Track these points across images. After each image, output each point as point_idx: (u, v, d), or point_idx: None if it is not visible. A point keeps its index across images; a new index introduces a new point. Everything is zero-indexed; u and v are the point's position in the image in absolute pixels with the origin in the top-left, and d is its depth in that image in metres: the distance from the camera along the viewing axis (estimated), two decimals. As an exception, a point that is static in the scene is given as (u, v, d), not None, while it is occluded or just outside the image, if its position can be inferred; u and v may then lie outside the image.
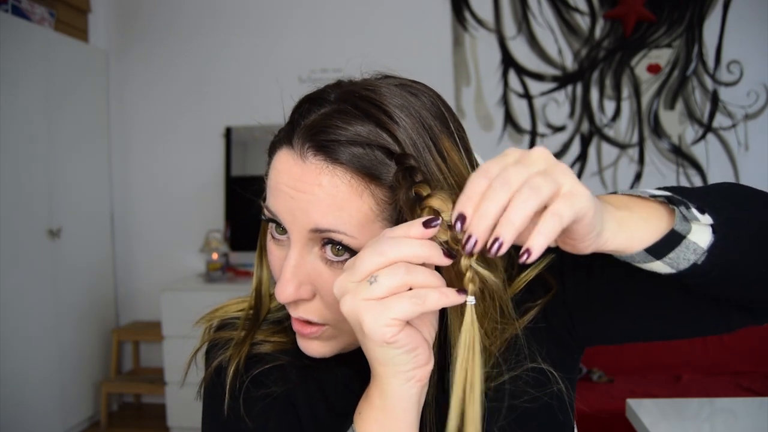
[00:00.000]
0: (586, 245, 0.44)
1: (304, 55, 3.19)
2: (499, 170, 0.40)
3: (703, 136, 2.97)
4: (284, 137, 0.52)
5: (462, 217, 0.40)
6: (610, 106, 3.04)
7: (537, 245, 0.38)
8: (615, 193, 0.50)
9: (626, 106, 3.03)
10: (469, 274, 0.43)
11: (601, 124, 3.05)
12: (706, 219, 0.47)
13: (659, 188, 0.50)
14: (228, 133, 3.23)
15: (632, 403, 1.30)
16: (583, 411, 2.12)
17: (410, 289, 0.42)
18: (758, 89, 2.92)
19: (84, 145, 3.13)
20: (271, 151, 0.54)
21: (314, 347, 0.55)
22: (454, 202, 0.44)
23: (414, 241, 0.42)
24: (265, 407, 0.60)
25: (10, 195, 2.58)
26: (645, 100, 3.01)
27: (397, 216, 0.50)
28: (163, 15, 3.34)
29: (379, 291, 0.41)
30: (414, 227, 0.43)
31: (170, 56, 3.34)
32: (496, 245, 0.39)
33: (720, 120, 2.95)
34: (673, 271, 0.48)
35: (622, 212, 0.46)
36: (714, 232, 0.47)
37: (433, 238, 0.44)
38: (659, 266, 0.48)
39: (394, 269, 0.42)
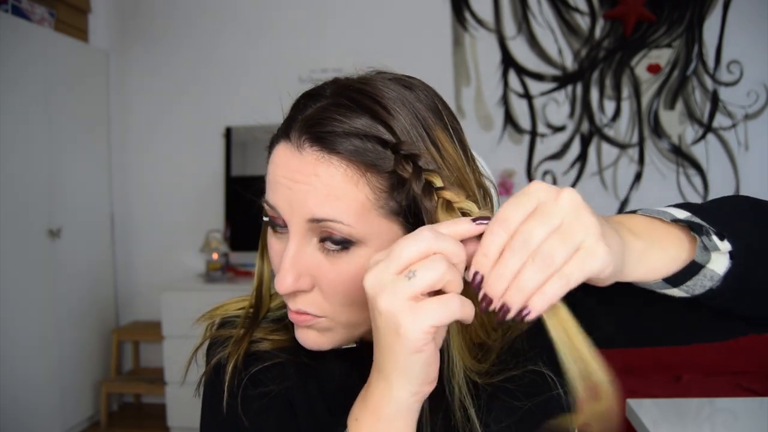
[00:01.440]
0: (603, 283, 0.43)
1: (304, 55, 3.19)
2: (519, 220, 0.39)
3: (703, 136, 2.97)
4: (282, 132, 0.53)
5: (479, 275, 0.40)
6: (610, 106, 3.04)
7: (537, 307, 0.38)
8: (635, 211, 0.49)
9: (626, 106, 3.03)
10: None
11: (601, 124, 3.05)
12: (726, 246, 0.46)
13: (677, 205, 0.49)
14: (228, 133, 3.23)
15: (632, 403, 1.30)
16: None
17: (441, 291, 0.41)
18: (758, 89, 2.92)
19: (84, 145, 3.13)
20: (271, 147, 0.55)
21: (311, 338, 0.55)
22: (464, 191, 0.45)
23: (457, 241, 0.41)
24: (263, 406, 0.60)
25: (10, 195, 2.58)
26: (645, 100, 3.01)
27: (395, 206, 0.51)
28: (163, 15, 3.34)
29: (417, 285, 0.40)
30: (462, 223, 0.42)
31: (170, 56, 3.34)
32: (503, 310, 0.39)
33: (720, 120, 2.95)
34: (687, 296, 0.48)
35: (642, 243, 0.45)
36: (731, 257, 0.47)
37: None
38: (674, 292, 0.48)
39: (433, 261, 0.40)
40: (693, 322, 0.55)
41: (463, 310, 0.41)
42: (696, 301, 0.49)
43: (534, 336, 0.60)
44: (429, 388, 0.45)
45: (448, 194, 0.46)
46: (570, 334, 0.41)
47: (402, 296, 0.40)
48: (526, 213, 0.39)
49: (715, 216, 0.48)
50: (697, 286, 0.47)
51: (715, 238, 0.46)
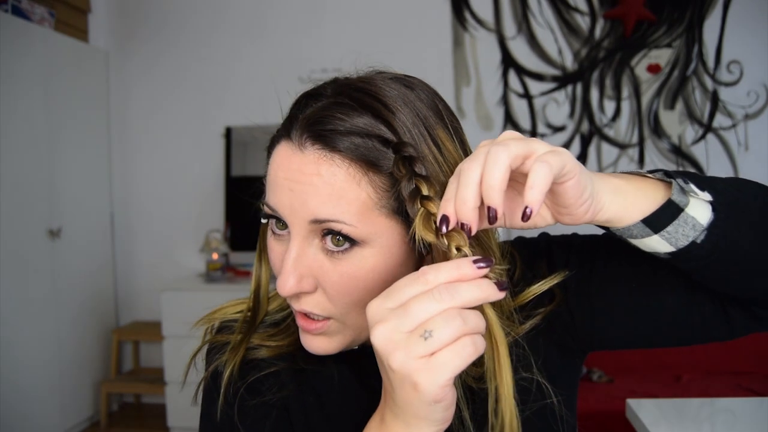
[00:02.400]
0: (582, 210, 0.44)
1: (304, 55, 3.18)
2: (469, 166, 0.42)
3: (703, 136, 2.97)
4: (283, 132, 0.53)
5: (446, 218, 0.42)
6: (610, 106, 3.04)
7: (533, 199, 0.39)
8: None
9: (626, 106, 3.03)
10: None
11: (601, 124, 3.05)
12: (705, 196, 0.46)
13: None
14: (228, 133, 3.23)
15: (632, 403, 1.30)
16: (583, 411, 2.12)
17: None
18: (758, 89, 2.92)
19: (84, 145, 3.13)
20: (270, 147, 0.55)
21: (319, 344, 0.54)
22: None
23: (471, 284, 0.41)
24: (259, 416, 0.60)
25: (10, 195, 2.58)
26: (645, 100, 3.01)
27: (396, 205, 0.50)
28: (163, 15, 3.34)
29: (434, 346, 0.39)
30: (466, 268, 0.41)
31: (171, 56, 3.34)
32: (491, 214, 0.40)
33: (720, 120, 2.95)
34: (672, 248, 0.47)
35: (618, 181, 0.47)
36: (714, 210, 0.46)
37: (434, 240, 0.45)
38: (657, 242, 0.47)
39: (448, 319, 0.39)
40: (692, 316, 0.54)
41: (477, 350, 0.40)
42: (685, 266, 0.48)
43: (532, 341, 0.59)
44: (447, 423, 0.45)
45: (431, 205, 0.46)
46: (501, 363, 0.43)
47: (416, 355, 0.39)
48: (474, 158, 0.43)
49: (696, 175, 0.49)
50: (680, 234, 0.46)
51: (692, 185, 0.47)
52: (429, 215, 0.45)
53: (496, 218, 0.40)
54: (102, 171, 3.28)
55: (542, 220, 0.48)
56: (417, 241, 0.46)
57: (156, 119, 3.37)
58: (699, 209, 0.46)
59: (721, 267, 0.48)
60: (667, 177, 0.48)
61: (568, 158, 0.41)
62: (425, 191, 0.47)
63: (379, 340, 0.41)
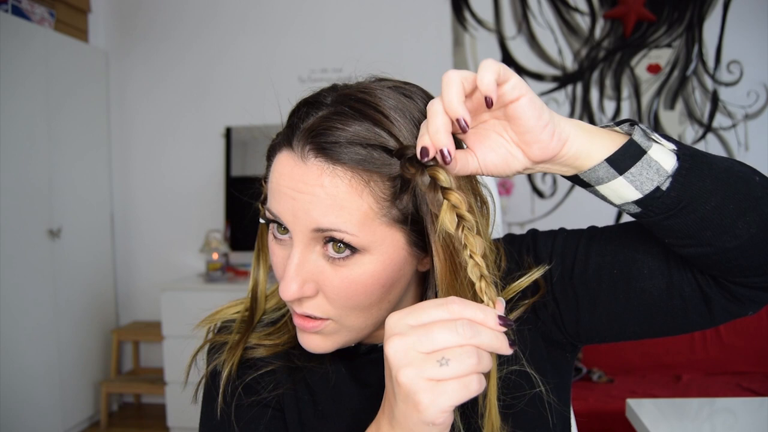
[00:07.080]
0: (547, 135, 0.45)
1: (304, 55, 3.19)
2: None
3: (703, 136, 2.97)
4: (284, 140, 0.53)
5: (425, 150, 0.44)
6: (610, 106, 3.04)
7: (485, 85, 0.42)
8: None
9: (626, 106, 3.03)
10: (474, 271, 0.45)
11: (602, 124, 3.04)
12: (669, 145, 0.48)
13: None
14: (228, 133, 3.23)
15: (632, 403, 1.30)
16: (583, 411, 2.12)
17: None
18: (758, 89, 2.92)
19: (84, 145, 3.13)
20: (270, 154, 0.56)
21: (315, 342, 0.56)
22: (467, 203, 0.47)
23: (491, 332, 0.42)
24: (254, 414, 0.62)
25: (10, 195, 2.58)
26: (645, 100, 3.01)
27: (397, 214, 0.51)
28: (163, 15, 3.34)
29: (447, 374, 0.41)
30: (490, 318, 0.43)
31: (170, 56, 3.34)
32: (462, 124, 0.43)
33: (720, 120, 2.95)
34: (638, 194, 0.47)
35: (585, 124, 0.48)
36: (678, 159, 0.47)
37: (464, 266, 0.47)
38: (622, 185, 0.47)
39: (467, 355, 0.41)
40: (672, 299, 0.55)
41: (480, 388, 0.42)
42: (652, 218, 0.48)
43: (519, 332, 0.60)
44: None
45: (452, 195, 0.46)
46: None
47: (426, 376, 0.41)
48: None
49: (663, 133, 0.50)
50: (644, 178, 0.47)
51: (657, 135, 0.48)
52: (453, 207, 0.46)
53: (467, 126, 0.43)
54: (102, 171, 3.28)
55: (516, 161, 0.48)
56: (437, 233, 0.48)
57: (156, 119, 3.37)
58: (663, 155, 0.47)
59: (688, 221, 0.48)
60: (630, 125, 0.49)
61: (516, 76, 0.44)
62: (444, 181, 0.47)
63: (393, 351, 0.41)
